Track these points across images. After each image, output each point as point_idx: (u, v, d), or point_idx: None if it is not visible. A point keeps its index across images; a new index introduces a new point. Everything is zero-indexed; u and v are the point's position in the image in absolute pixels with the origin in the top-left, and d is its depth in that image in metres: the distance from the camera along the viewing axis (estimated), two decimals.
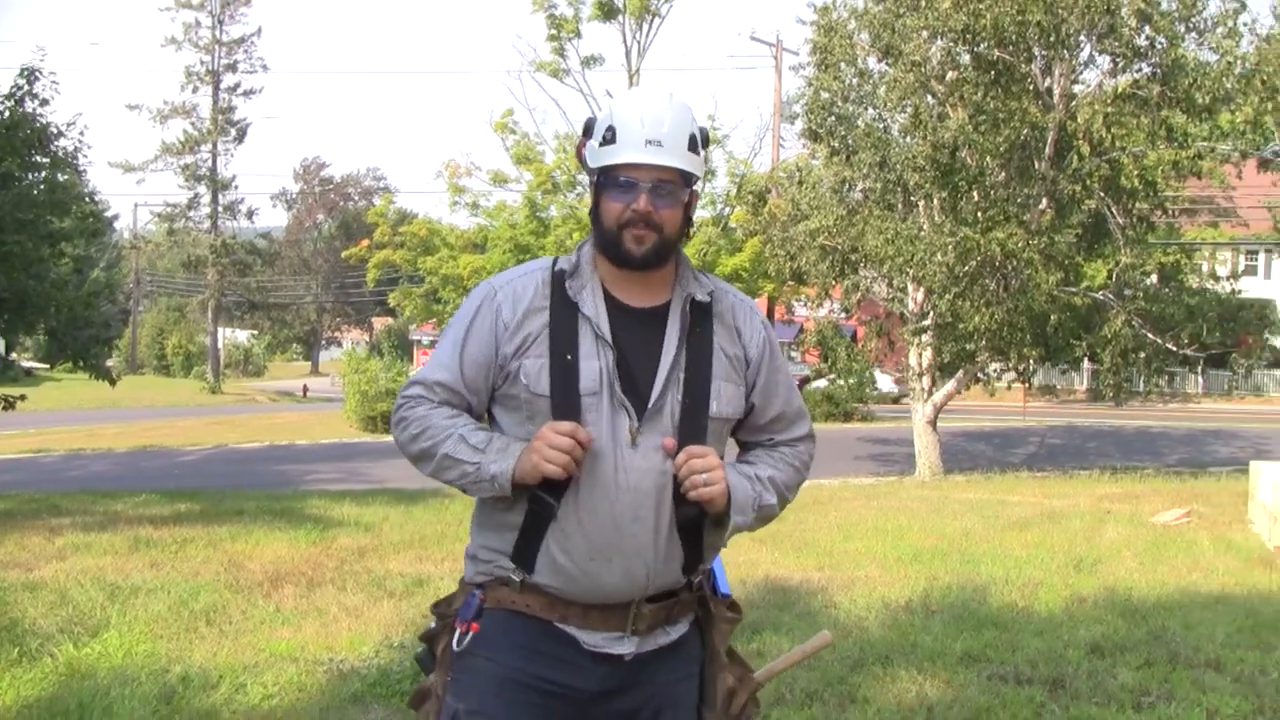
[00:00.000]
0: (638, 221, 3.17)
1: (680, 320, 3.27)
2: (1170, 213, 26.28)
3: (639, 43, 43.81)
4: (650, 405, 3.18)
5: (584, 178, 40.33)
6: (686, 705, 3.37)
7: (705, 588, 3.42)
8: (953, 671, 7.17)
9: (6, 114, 18.53)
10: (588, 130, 3.32)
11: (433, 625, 3.42)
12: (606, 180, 3.22)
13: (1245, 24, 20.90)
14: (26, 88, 18.82)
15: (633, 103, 3.26)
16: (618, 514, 3.14)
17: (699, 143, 3.27)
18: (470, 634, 3.21)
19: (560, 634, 3.22)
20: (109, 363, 23.62)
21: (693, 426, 3.23)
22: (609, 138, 3.21)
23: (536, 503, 3.17)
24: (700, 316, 3.32)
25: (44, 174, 19.41)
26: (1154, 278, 26.82)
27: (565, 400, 3.16)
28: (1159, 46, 20.32)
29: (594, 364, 3.17)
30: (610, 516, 3.14)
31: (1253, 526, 13.30)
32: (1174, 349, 22.54)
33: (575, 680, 3.21)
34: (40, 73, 18.94)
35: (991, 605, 9.13)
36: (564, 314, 3.23)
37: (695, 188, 3.32)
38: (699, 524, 3.27)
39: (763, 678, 3.61)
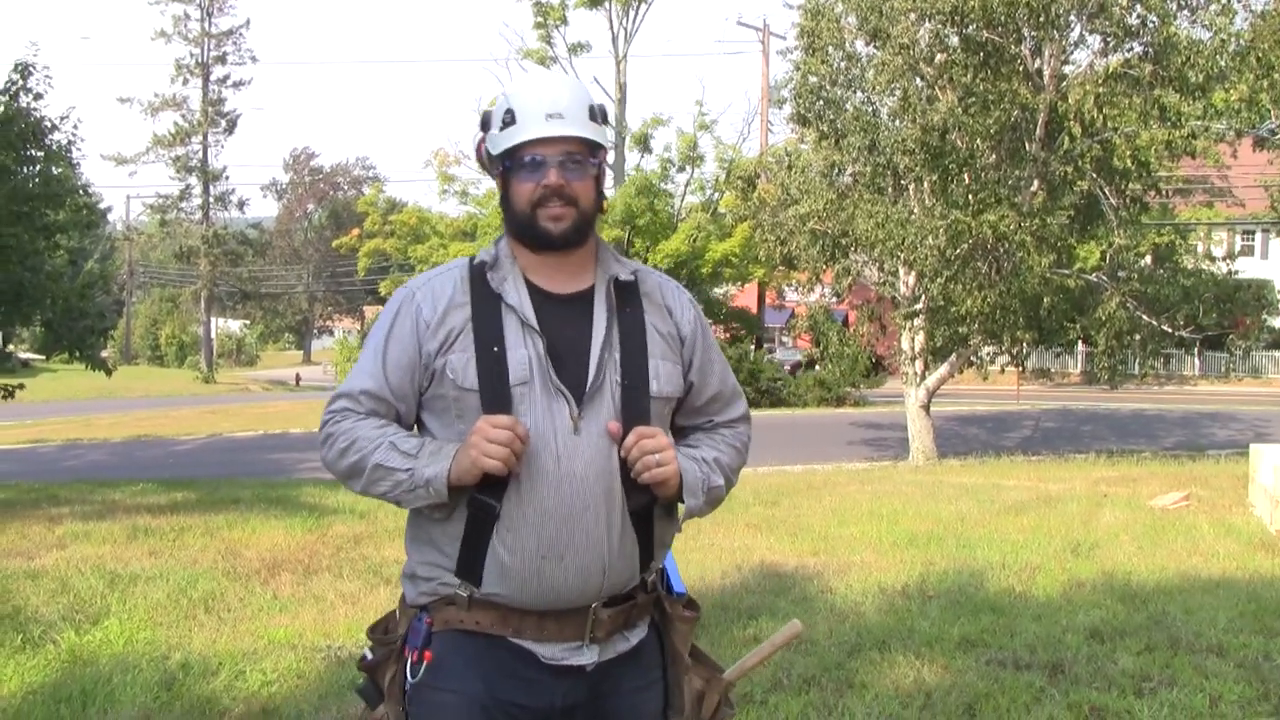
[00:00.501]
0: (551, 198, 3.10)
1: (607, 301, 3.20)
2: (1164, 193, 26.22)
3: (625, 29, 44.04)
4: (588, 388, 3.08)
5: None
6: (650, 712, 3.27)
7: (660, 588, 3.32)
8: (950, 656, 7.17)
9: (1, 109, 18.63)
10: (485, 124, 3.26)
11: (368, 654, 3.27)
12: (512, 164, 3.14)
13: (1240, 0, 20.87)
14: (21, 83, 18.95)
15: (528, 84, 3.24)
16: (566, 505, 3.02)
17: (599, 115, 3.22)
18: (424, 664, 3.09)
19: (517, 650, 3.09)
20: (104, 353, 23.65)
21: (635, 409, 3.13)
22: (509, 120, 3.14)
23: (476, 506, 3.04)
24: (627, 296, 3.24)
25: (39, 167, 19.48)
26: (1148, 259, 26.88)
27: (495, 393, 3.05)
28: (1150, 25, 20.20)
29: (522, 353, 3.08)
30: (558, 508, 3.02)
31: (1253, 510, 13.22)
32: (1170, 331, 22.45)
33: (538, 699, 3.09)
34: (34, 68, 19.07)
35: (988, 590, 9.12)
36: (487, 306, 3.14)
37: (603, 163, 3.26)
38: (651, 511, 3.18)
39: (733, 676, 3.51)
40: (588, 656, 3.11)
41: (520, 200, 3.14)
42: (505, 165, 3.16)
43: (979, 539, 11.53)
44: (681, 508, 3.23)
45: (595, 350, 3.12)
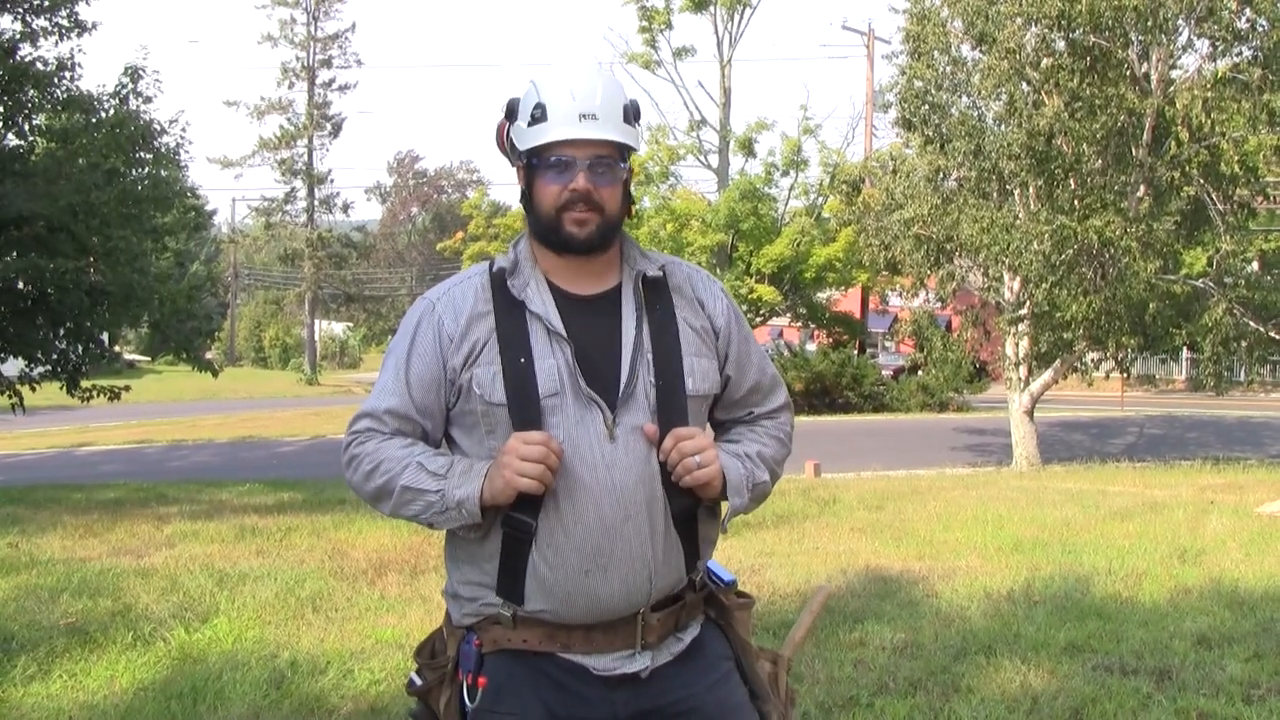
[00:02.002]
0: (577, 202, 2.97)
1: (634, 299, 3.08)
2: (1272, 198, 25.86)
3: (730, 33, 44.04)
4: (621, 393, 2.97)
5: (677, 168, 40.31)
6: (735, 704, 3.15)
7: (709, 583, 3.21)
8: (1057, 661, 7.11)
9: (112, 112, 18.93)
10: (511, 113, 3.11)
11: (415, 678, 3.19)
12: (539, 162, 3.01)
13: None
14: (131, 86, 19.22)
15: (561, 77, 3.04)
16: (606, 517, 2.92)
17: (633, 114, 3.09)
18: (480, 689, 3.00)
19: (568, 665, 3.01)
20: (208, 355, 23.99)
21: (672, 409, 3.01)
22: (538, 116, 3.00)
23: (512, 525, 2.94)
24: (656, 293, 3.12)
25: (147, 170, 19.71)
26: (1256, 264, 26.45)
27: (524, 407, 2.94)
28: (1260, 29, 19.92)
29: (550, 362, 2.96)
30: (598, 521, 2.92)
31: None
32: (1276, 337, 22.19)
33: (596, 712, 3.00)
34: (144, 71, 19.34)
35: (1094, 595, 9.03)
36: (511, 315, 3.03)
37: (631, 164, 3.17)
38: (695, 513, 3.08)
39: (790, 652, 3.49)
40: (640, 663, 3.03)
41: (545, 202, 3.02)
42: (531, 162, 3.03)
43: (1084, 545, 11.42)
44: (725, 506, 3.14)
45: (626, 352, 3.02)
